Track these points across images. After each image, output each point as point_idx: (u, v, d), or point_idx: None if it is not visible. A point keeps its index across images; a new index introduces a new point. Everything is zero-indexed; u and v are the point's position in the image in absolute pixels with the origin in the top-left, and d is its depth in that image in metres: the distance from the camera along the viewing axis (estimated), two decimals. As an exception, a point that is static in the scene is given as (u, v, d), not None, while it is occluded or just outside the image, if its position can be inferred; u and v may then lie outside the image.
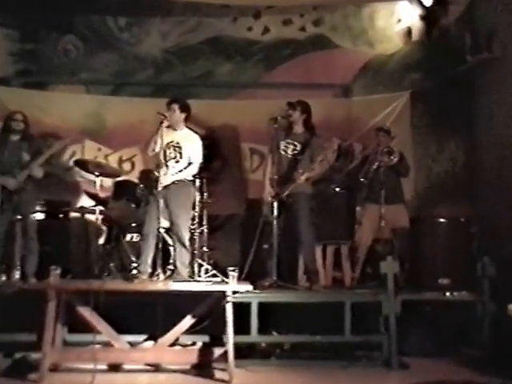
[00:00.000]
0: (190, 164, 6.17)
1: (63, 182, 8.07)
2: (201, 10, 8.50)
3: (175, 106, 6.21)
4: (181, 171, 6.16)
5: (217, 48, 8.67)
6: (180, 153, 6.18)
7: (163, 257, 6.05)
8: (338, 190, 7.20)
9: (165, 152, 6.14)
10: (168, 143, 6.16)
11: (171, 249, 6.26)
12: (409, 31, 8.28)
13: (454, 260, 6.33)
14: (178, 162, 6.17)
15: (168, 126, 6.11)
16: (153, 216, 5.97)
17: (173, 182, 6.10)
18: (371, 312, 5.76)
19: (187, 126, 6.34)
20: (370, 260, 6.86)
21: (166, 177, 6.07)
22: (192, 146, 6.23)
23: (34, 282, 6.15)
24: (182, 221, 6.12)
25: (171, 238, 6.28)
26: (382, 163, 6.70)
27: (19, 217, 6.44)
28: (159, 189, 5.94)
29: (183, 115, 6.25)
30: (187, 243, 6.15)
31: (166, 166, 6.12)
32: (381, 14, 8.41)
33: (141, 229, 6.24)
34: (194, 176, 6.36)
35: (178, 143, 6.20)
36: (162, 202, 5.89)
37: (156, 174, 6.10)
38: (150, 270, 5.95)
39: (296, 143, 6.42)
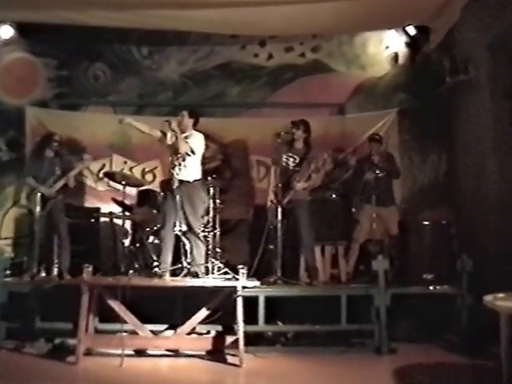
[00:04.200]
0: (192, 154, 6.06)
1: (94, 190, 8.14)
2: (213, 40, 8.50)
3: (184, 113, 6.26)
4: (188, 166, 6.08)
5: (227, 72, 8.64)
6: (191, 151, 6.08)
7: (179, 255, 6.05)
8: (334, 196, 7.16)
9: (177, 156, 6.08)
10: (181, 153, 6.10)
11: (187, 248, 6.15)
12: (396, 57, 8.28)
13: (436, 258, 6.38)
14: (185, 159, 6.06)
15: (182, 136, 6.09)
16: (169, 220, 5.99)
17: (186, 182, 6.04)
18: (364, 304, 5.76)
19: (196, 130, 6.29)
20: (363, 258, 6.83)
21: (179, 174, 6.04)
22: (196, 141, 6.14)
23: (70, 278, 6.21)
24: (195, 218, 6.07)
25: (187, 238, 6.15)
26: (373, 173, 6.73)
27: (53, 221, 6.53)
28: (174, 187, 5.94)
29: (191, 120, 6.25)
30: (201, 237, 6.14)
31: (179, 165, 6.05)
32: (371, 42, 8.38)
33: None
34: (202, 175, 6.25)
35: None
36: (177, 201, 5.87)
37: (173, 174, 6.06)
38: (169, 268, 5.94)
39: (296, 156, 6.43)
